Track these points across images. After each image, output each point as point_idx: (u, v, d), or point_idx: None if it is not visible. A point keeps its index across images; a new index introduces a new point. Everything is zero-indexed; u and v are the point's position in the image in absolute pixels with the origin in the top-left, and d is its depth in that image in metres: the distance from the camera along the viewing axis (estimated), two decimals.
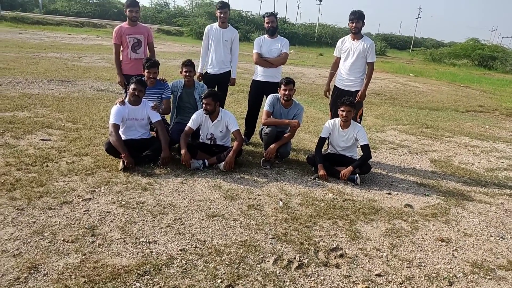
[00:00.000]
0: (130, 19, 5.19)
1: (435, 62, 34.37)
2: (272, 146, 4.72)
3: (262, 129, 4.98)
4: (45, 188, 3.53)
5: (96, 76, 9.75)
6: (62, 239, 2.80)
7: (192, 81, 5.10)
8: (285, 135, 4.82)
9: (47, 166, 4.01)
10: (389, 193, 4.34)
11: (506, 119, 10.48)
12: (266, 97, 5.17)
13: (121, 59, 5.31)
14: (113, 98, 7.47)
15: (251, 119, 5.71)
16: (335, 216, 3.62)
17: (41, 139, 4.76)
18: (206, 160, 4.52)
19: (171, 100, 5.17)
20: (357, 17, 5.01)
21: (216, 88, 5.57)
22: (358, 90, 5.16)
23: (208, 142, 4.74)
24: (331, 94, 5.49)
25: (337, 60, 5.39)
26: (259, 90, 5.53)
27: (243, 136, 5.00)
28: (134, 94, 4.35)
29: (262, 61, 5.38)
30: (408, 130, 7.77)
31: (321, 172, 4.51)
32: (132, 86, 4.35)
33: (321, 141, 4.76)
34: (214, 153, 4.63)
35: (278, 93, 4.91)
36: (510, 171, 5.68)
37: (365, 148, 4.60)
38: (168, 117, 5.34)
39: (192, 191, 3.86)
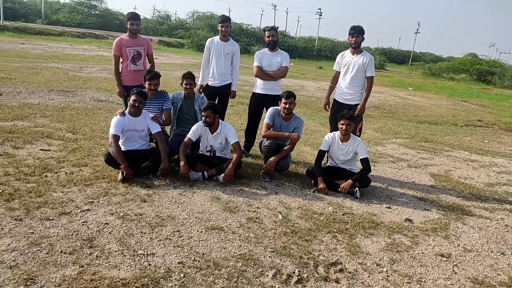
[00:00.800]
0: (131, 31, 5.25)
1: (434, 76, 34.65)
2: (271, 158, 4.71)
3: (261, 141, 4.99)
4: (44, 198, 3.51)
5: (96, 87, 9.79)
6: (59, 250, 2.77)
7: (192, 93, 5.12)
8: (284, 148, 4.82)
9: (46, 176, 4.00)
10: (389, 207, 4.33)
11: (505, 133, 10.52)
12: (266, 109, 5.20)
13: (120, 70, 5.35)
14: (113, 108, 7.49)
15: (250, 132, 5.72)
16: (335, 230, 3.60)
17: (41, 149, 4.75)
18: (205, 172, 4.51)
19: (171, 111, 5.18)
20: (357, 32, 5.07)
21: (216, 100, 5.60)
22: (358, 104, 5.19)
23: (208, 154, 4.74)
24: (330, 107, 5.52)
25: (337, 74, 5.43)
26: (259, 102, 5.56)
27: (242, 148, 5.00)
28: (134, 105, 4.36)
29: (262, 74, 5.41)
30: (407, 144, 7.78)
31: (321, 185, 4.50)
32: (132, 97, 4.37)
33: (321, 154, 4.76)
34: (214, 164, 4.63)
35: (278, 106, 4.94)
36: (509, 186, 5.68)
37: (365, 162, 4.60)
38: (168, 129, 5.35)
39: (191, 203, 3.85)
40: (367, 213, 4.09)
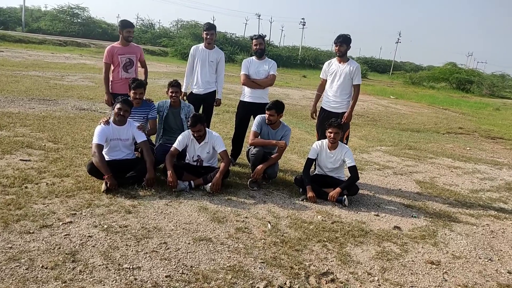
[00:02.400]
0: (126, 39, 5.23)
1: (415, 85, 35.35)
2: (259, 166, 4.66)
3: (249, 149, 4.94)
4: (24, 211, 3.36)
5: (78, 95, 9.59)
6: (40, 265, 2.64)
7: (178, 101, 5.05)
8: (272, 156, 4.79)
9: (26, 187, 3.85)
10: (377, 215, 4.32)
11: (485, 140, 10.74)
12: (254, 118, 5.16)
13: (111, 78, 5.28)
14: (95, 117, 7.33)
15: (238, 140, 5.66)
16: (325, 239, 3.56)
17: (21, 159, 4.59)
18: (192, 182, 4.42)
19: (157, 120, 5.09)
20: (341, 41, 5.10)
21: (201, 108, 5.55)
22: (345, 112, 5.20)
23: (194, 163, 4.65)
24: (317, 115, 5.52)
25: (323, 82, 5.44)
26: (246, 111, 5.52)
27: (229, 157, 4.93)
28: (119, 114, 4.26)
29: (250, 82, 5.38)
30: (392, 151, 7.84)
31: (310, 193, 4.46)
32: (117, 105, 4.27)
33: (309, 162, 4.74)
34: (200, 174, 4.54)
35: (265, 114, 4.90)
36: (493, 192, 5.76)
37: (353, 170, 4.59)
38: (153, 138, 5.25)
39: (178, 213, 3.75)
40: (356, 221, 4.06)
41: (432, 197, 5.23)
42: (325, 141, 4.73)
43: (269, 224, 3.73)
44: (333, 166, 4.73)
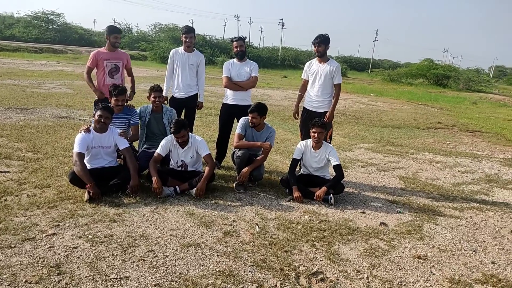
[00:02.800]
0: (113, 45, 5.21)
1: (393, 82, 35.94)
2: (245, 169, 4.65)
3: (234, 152, 4.92)
4: (4, 224, 3.26)
5: (57, 103, 9.38)
6: (24, 280, 2.56)
7: (160, 106, 4.99)
8: (257, 158, 4.78)
9: (5, 200, 3.73)
10: (363, 212, 4.36)
11: (464, 134, 10.99)
12: (237, 120, 5.14)
13: (96, 84, 5.25)
14: (75, 125, 7.19)
15: (222, 143, 5.63)
16: (313, 239, 3.57)
17: None
18: (177, 187, 4.37)
19: (139, 126, 5.02)
20: (319, 42, 5.13)
21: (183, 112, 5.50)
22: (327, 111, 5.24)
23: (179, 169, 4.60)
24: (300, 115, 5.55)
25: (305, 83, 5.48)
26: (229, 113, 5.50)
27: (214, 160, 4.91)
28: (100, 121, 4.18)
29: (232, 84, 5.37)
30: (374, 148, 7.94)
31: (296, 194, 4.47)
32: (98, 113, 4.19)
33: (294, 162, 4.75)
34: (185, 179, 4.49)
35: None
36: (474, 185, 5.90)
37: (338, 168, 4.63)
38: (136, 144, 5.17)
39: (164, 220, 3.70)
40: (343, 219, 4.09)
41: (415, 192, 5.31)
42: (309, 141, 4.75)
43: (257, 227, 3.72)
44: (318, 166, 4.76)
